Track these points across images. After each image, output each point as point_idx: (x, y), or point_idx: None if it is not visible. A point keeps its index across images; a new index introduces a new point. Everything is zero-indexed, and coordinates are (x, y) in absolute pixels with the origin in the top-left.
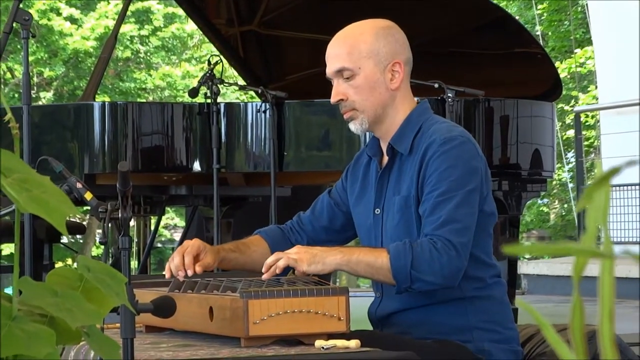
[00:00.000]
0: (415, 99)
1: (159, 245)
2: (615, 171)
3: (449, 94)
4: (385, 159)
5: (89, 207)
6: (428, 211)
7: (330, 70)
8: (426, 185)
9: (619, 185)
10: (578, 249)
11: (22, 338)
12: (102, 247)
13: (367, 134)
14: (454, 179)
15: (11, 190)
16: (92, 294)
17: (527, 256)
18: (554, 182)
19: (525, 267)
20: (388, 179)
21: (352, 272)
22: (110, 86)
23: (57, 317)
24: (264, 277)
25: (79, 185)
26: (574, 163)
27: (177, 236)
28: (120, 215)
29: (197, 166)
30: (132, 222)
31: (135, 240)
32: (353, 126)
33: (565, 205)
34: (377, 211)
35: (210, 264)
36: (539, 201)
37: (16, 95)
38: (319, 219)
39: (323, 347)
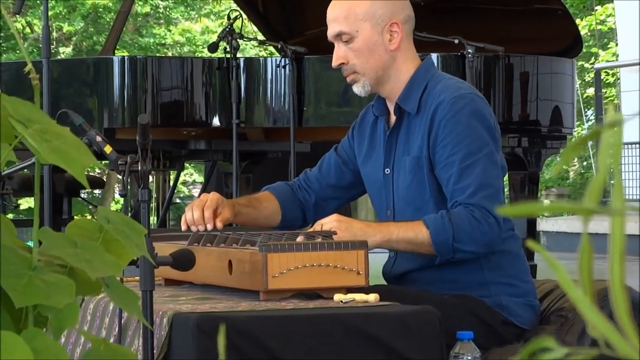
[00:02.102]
0: (432, 55)
1: (178, 201)
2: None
3: (469, 50)
4: (393, 118)
5: (108, 161)
6: (455, 178)
7: (329, 34)
8: (443, 148)
9: (626, 144)
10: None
11: (41, 288)
12: (121, 201)
13: None
14: (472, 140)
15: (32, 141)
16: (112, 246)
17: (546, 213)
18: (573, 140)
19: (544, 225)
20: (397, 139)
21: (392, 249)
22: (129, 41)
23: (76, 268)
24: (299, 239)
25: (98, 138)
26: (593, 121)
27: (196, 192)
28: (139, 167)
29: (216, 121)
30: (151, 177)
31: (154, 195)
32: (356, 89)
33: (585, 163)
34: (387, 171)
35: (228, 218)
36: (558, 159)
37: (35, 50)
38: (326, 177)
39: (342, 301)
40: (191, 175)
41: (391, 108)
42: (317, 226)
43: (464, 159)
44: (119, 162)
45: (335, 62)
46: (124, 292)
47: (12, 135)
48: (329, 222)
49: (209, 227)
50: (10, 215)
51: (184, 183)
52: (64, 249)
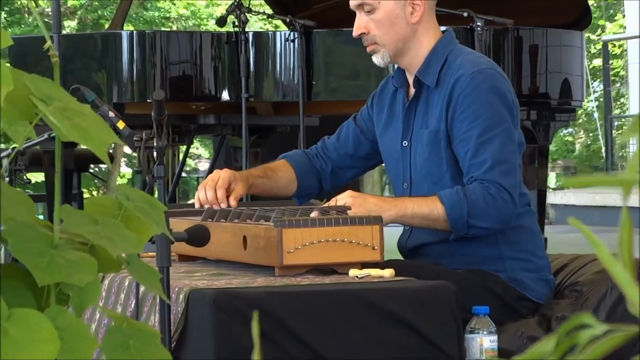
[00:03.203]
0: (441, 28)
1: (184, 174)
2: None
3: (478, 23)
4: (412, 90)
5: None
6: (471, 153)
7: (352, 2)
8: (460, 122)
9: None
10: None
11: (64, 266)
12: (127, 175)
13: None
14: (490, 115)
15: (53, 119)
16: (131, 223)
17: (553, 186)
18: (579, 112)
19: (552, 197)
20: (415, 111)
21: (407, 224)
22: (134, 15)
23: (97, 246)
24: (313, 214)
25: (111, 114)
26: (599, 92)
27: (202, 165)
28: (155, 144)
29: (225, 95)
30: None
31: None
32: (375, 59)
33: (591, 135)
34: (405, 143)
35: (242, 194)
36: (564, 131)
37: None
38: (344, 146)
39: (357, 276)
40: (197, 149)
41: (410, 80)
42: (332, 202)
43: (481, 134)
44: (135, 138)
45: (356, 32)
46: (144, 268)
47: (32, 113)
48: (344, 198)
49: (223, 206)
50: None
51: (190, 156)
52: (85, 227)
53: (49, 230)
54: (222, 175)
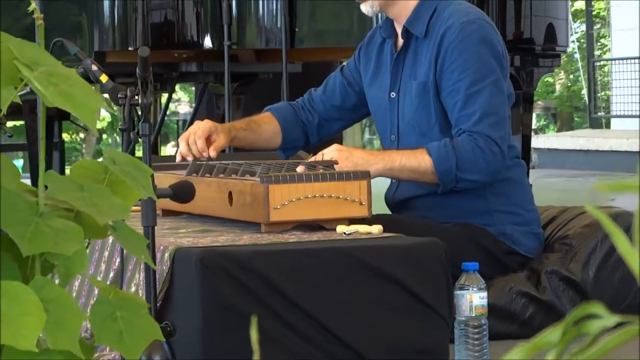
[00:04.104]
0: None
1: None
2: None
3: None
4: (400, 41)
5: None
6: (460, 104)
7: None
8: (449, 73)
9: (620, 59)
10: None
11: (49, 235)
12: (107, 118)
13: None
14: (480, 66)
15: (38, 85)
16: (118, 187)
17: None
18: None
19: (535, 141)
20: (404, 62)
21: (394, 177)
22: None
23: (83, 212)
24: (299, 169)
25: (94, 67)
26: (579, 33)
27: (182, 109)
28: (140, 100)
29: (207, 42)
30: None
31: None
32: (363, 8)
33: (572, 76)
34: (393, 95)
35: (223, 145)
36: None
37: None
38: (330, 97)
39: (345, 233)
40: (176, 93)
41: (399, 30)
42: (319, 156)
43: (470, 85)
44: (119, 95)
45: None
46: (130, 234)
47: (17, 78)
48: (330, 152)
49: (204, 155)
50: None
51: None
52: (71, 193)
53: (34, 196)
54: (202, 125)
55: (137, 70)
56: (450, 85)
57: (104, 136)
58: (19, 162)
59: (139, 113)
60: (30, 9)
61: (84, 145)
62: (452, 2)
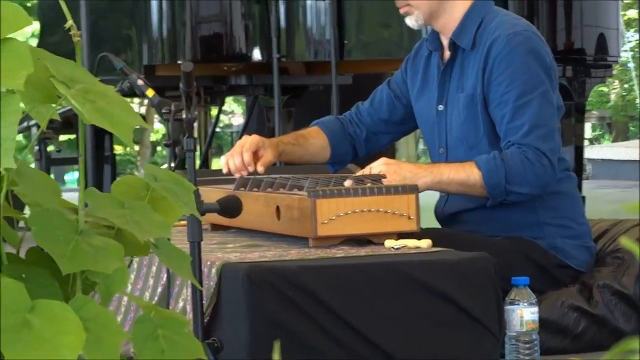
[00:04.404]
0: None
1: (217, 129)
2: None
3: None
4: (447, 53)
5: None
6: (509, 117)
7: None
8: (497, 85)
9: None
10: None
11: (89, 253)
12: (162, 130)
13: None
14: (528, 78)
15: (75, 102)
16: (159, 204)
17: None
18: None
19: (589, 152)
20: (451, 75)
21: (442, 190)
22: None
23: (124, 230)
24: (347, 183)
25: (140, 82)
26: (634, 42)
27: (235, 120)
28: (184, 115)
29: (256, 55)
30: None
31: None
32: (409, 21)
33: (626, 85)
34: (440, 107)
35: (270, 160)
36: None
37: None
38: (378, 111)
39: (393, 247)
40: (230, 105)
41: (445, 43)
42: (366, 170)
43: (518, 97)
44: (163, 110)
45: None
46: (173, 252)
47: (54, 96)
48: (378, 166)
49: (250, 169)
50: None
51: (223, 112)
52: (111, 210)
53: (74, 214)
54: (250, 140)
55: (181, 86)
56: (498, 97)
57: (158, 148)
58: (74, 175)
59: (184, 128)
60: (67, 25)
61: (138, 158)
62: (498, 14)
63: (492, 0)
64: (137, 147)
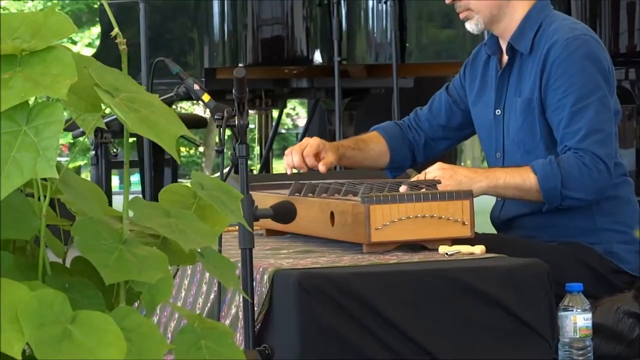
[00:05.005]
0: None
1: (283, 131)
2: None
3: None
4: (505, 57)
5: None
6: (565, 121)
7: None
8: (554, 90)
9: None
10: None
11: (133, 263)
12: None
13: None
14: (585, 82)
15: (118, 112)
16: (206, 212)
17: None
18: None
19: None
20: (508, 79)
21: (498, 195)
22: None
23: (170, 238)
24: (402, 189)
25: (196, 86)
26: None
27: (300, 122)
28: (236, 122)
29: (317, 58)
30: (255, 116)
31: (257, 135)
32: (469, 26)
33: None
34: (498, 112)
35: (332, 162)
36: None
37: None
38: (436, 116)
39: (447, 253)
40: (294, 108)
41: (504, 47)
42: (422, 175)
43: (575, 102)
44: (216, 117)
45: None
46: (219, 261)
47: (99, 104)
48: (433, 170)
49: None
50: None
51: (287, 115)
52: (156, 219)
53: (119, 222)
54: (311, 142)
55: (234, 92)
56: (555, 102)
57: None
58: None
59: (236, 134)
60: (112, 34)
61: (203, 159)
62: (557, 17)
63: (551, 5)
64: (202, 149)
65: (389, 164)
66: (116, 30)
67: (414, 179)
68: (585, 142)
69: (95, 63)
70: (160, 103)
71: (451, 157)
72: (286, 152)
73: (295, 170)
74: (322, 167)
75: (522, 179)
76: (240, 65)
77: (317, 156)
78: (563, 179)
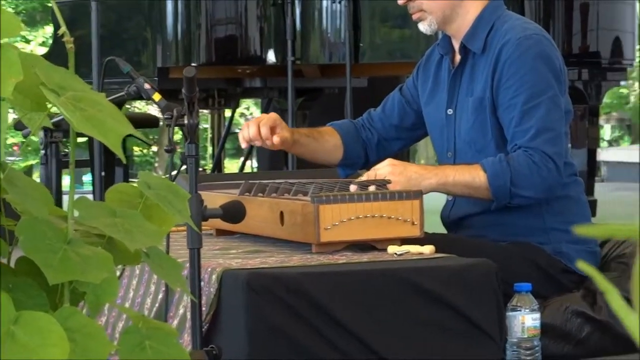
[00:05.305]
0: None
1: (237, 130)
2: None
3: None
4: (458, 57)
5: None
6: (516, 120)
7: None
8: (506, 89)
9: None
10: None
11: (77, 263)
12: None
13: None
14: (536, 82)
15: (64, 110)
16: (153, 211)
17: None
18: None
19: (604, 154)
20: (461, 79)
21: (447, 193)
22: None
23: (115, 238)
24: (351, 188)
25: (147, 86)
26: None
27: None
28: (186, 121)
29: (271, 57)
30: (207, 116)
31: (210, 134)
32: (422, 27)
33: None
34: (450, 112)
35: (287, 138)
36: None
37: None
38: (389, 117)
39: (396, 253)
40: (248, 108)
41: (457, 47)
42: (372, 172)
43: (526, 101)
44: (165, 116)
45: (402, 0)
46: (165, 261)
47: (44, 104)
48: (383, 167)
49: (268, 143)
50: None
51: (242, 115)
52: (102, 219)
53: (64, 222)
54: (268, 115)
55: (183, 91)
56: (506, 101)
57: (179, 149)
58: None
59: (186, 133)
60: (59, 33)
61: (156, 159)
62: (510, 17)
63: (504, 5)
64: (155, 148)
65: (342, 160)
66: (63, 29)
67: (363, 178)
68: (536, 141)
69: (42, 62)
70: (107, 102)
71: (404, 157)
72: (242, 126)
73: (250, 147)
74: (276, 139)
75: (472, 176)
76: (193, 64)
77: (273, 130)
78: (512, 177)
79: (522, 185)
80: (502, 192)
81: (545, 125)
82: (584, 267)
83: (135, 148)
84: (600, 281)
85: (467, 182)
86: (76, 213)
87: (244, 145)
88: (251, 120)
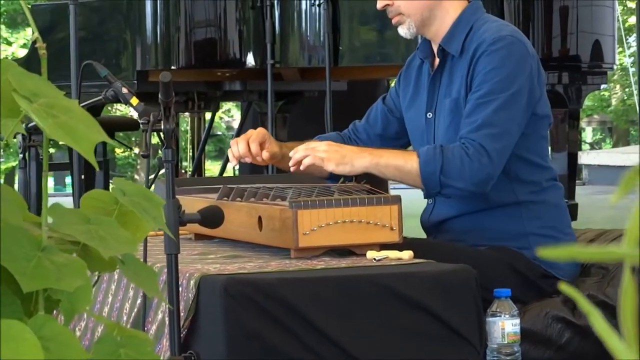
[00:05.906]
0: None
1: (219, 133)
2: None
3: None
4: (437, 60)
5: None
6: (467, 112)
7: None
8: (473, 86)
9: None
10: None
11: (51, 270)
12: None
13: None
14: (498, 80)
15: (36, 117)
16: (128, 218)
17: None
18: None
19: (585, 157)
20: (440, 82)
21: (381, 175)
22: None
23: (90, 245)
24: (292, 168)
25: (124, 90)
26: (635, 47)
27: (235, 124)
28: (162, 126)
29: (250, 60)
30: (187, 119)
31: (189, 137)
32: (401, 31)
33: (627, 90)
34: (429, 115)
35: (276, 152)
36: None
37: None
38: (373, 127)
39: (375, 259)
40: (229, 111)
41: (436, 50)
42: (309, 150)
43: (482, 96)
44: (141, 121)
45: (380, 4)
46: (140, 268)
47: (17, 110)
48: (321, 145)
49: (258, 159)
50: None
51: (221, 118)
52: (76, 226)
53: (38, 229)
54: (257, 131)
55: (160, 96)
56: (469, 95)
57: (159, 152)
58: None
59: (162, 138)
60: (32, 39)
61: (139, 161)
62: (488, 20)
63: (482, 8)
64: (137, 150)
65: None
66: (36, 34)
67: (299, 154)
68: (476, 134)
69: (15, 68)
70: (80, 109)
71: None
72: (231, 142)
73: (240, 163)
74: (265, 155)
75: (405, 160)
76: (173, 67)
77: (262, 146)
78: (443, 166)
79: (452, 175)
80: (431, 180)
81: (491, 120)
82: (566, 289)
83: (117, 150)
84: (583, 303)
85: (399, 165)
86: (50, 220)
87: (234, 162)
88: (240, 137)
